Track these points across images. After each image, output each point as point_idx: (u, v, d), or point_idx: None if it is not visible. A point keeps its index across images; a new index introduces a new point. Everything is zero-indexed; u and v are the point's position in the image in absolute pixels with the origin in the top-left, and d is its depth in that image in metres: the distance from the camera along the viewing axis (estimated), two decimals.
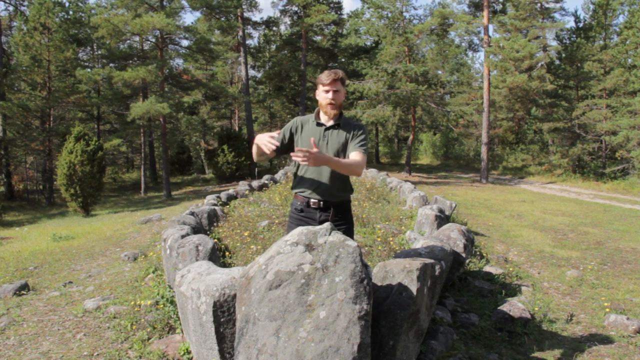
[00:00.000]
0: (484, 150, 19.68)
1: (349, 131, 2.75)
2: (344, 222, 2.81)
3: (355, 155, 2.65)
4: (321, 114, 2.80)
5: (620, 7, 22.08)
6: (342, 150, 2.73)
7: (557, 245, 7.07)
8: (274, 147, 2.51)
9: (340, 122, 2.76)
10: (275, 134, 2.63)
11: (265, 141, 2.51)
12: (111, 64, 21.58)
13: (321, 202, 2.75)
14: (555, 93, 22.59)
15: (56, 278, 5.48)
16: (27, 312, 4.16)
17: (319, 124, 2.77)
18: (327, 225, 2.39)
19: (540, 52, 23.00)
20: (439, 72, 35.06)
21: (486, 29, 20.02)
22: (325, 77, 2.69)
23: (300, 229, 2.40)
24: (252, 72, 30.24)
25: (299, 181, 2.81)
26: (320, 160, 2.38)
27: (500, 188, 17.15)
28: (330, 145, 2.72)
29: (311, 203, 2.76)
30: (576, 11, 39.05)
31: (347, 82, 19.12)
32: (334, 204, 2.78)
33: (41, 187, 22.08)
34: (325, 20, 22.90)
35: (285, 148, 2.78)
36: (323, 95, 2.72)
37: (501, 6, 22.61)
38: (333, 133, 2.74)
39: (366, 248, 5.43)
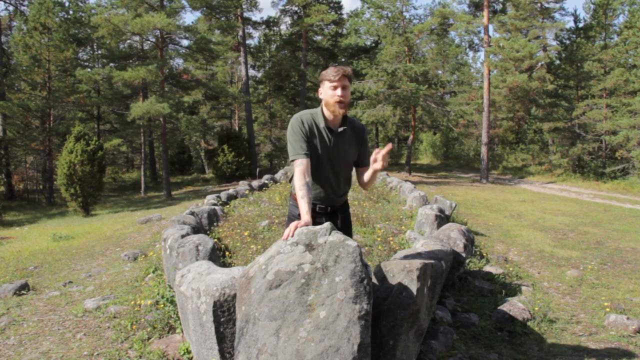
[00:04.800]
0: (484, 150, 19.67)
1: (357, 136, 2.67)
2: (348, 224, 2.82)
3: (366, 169, 2.68)
4: (326, 113, 2.58)
5: (620, 7, 22.06)
6: (352, 156, 2.66)
7: (557, 245, 7.07)
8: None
9: (347, 126, 2.62)
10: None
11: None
12: (111, 64, 21.57)
13: (328, 208, 2.68)
14: (555, 93, 22.58)
15: (56, 278, 5.48)
16: (27, 311, 4.16)
17: (329, 128, 2.57)
18: (327, 225, 2.39)
19: (540, 52, 22.99)
20: (439, 72, 35.11)
21: (486, 28, 20.01)
22: (333, 72, 2.47)
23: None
24: (252, 72, 30.24)
25: None
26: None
27: (500, 188, 17.14)
28: (341, 149, 2.61)
29: (317, 209, 2.66)
30: (576, 11, 39.12)
31: None
32: (339, 207, 2.75)
33: (41, 187, 22.08)
34: (325, 20, 22.88)
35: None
36: (330, 93, 2.49)
37: (501, 6, 22.61)
38: (343, 139, 2.62)
39: (366, 248, 5.43)
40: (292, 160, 2.50)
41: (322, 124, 2.55)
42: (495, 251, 6.49)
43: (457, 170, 26.09)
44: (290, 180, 2.79)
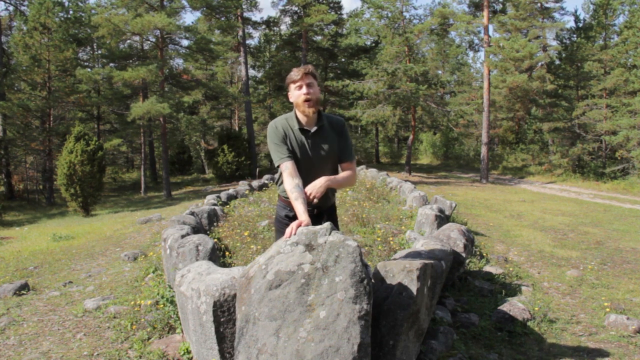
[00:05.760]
0: (484, 150, 19.68)
1: (336, 132, 2.64)
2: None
3: (347, 165, 2.64)
4: (299, 116, 2.58)
5: (620, 7, 22.06)
6: (332, 153, 2.62)
7: (557, 245, 7.07)
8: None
9: (324, 124, 2.60)
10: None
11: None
12: (111, 64, 21.58)
13: (315, 210, 2.66)
14: (555, 93, 22.58)
15: (56, 278, 5.48)
16: (27, 312, 4.16)
17: (303, 130, 2.56)
18: (327, 225, 2.39)
19: (540, 52, 23.00)
20: (439, 72, 35.12)
21: (486, 28, 20.01)
22: (295, 73, 2.50)
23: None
24: (252, 72, 30.24)
25: None
26: (322, 189, 2.41)
27: (500, 188, 17.14)
28: (320, 149, 2.59)
29: None
30: (576, 11, 39.05)
31: (348, 81, 19.31)
32: (325, 209, 2.75)
33: (41, 187, 22.07)
34: (325, 20, 22.86)
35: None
36: (297, 93, 2.51)
37: (501, 6, 22.61)
38: (321, 138, 2.59)
39: (366, 248, 5.43)
40: (278, 166, 2.53)
41: (296, 127, 2.56)
42: (495, 251, 6.49)
43: (457, 170, 26.09)
44: (276, 182, 2.80)
